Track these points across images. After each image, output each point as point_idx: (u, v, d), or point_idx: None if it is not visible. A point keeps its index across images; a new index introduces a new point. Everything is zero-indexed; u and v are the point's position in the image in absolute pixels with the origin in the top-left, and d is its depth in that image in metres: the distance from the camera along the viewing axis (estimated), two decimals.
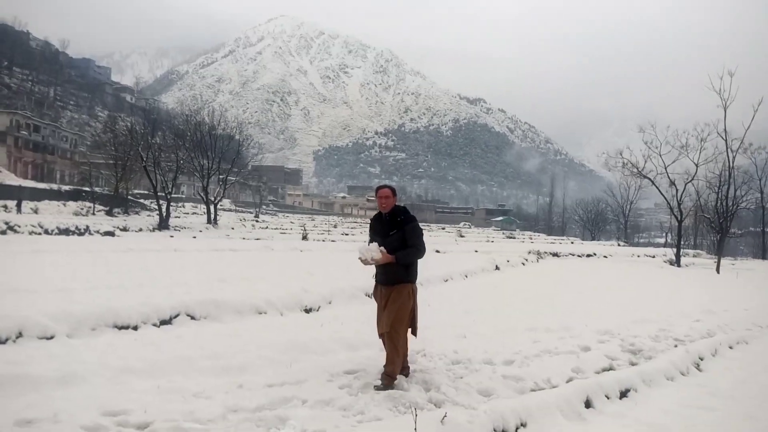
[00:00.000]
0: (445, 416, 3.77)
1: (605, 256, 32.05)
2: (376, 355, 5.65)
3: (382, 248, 4.74)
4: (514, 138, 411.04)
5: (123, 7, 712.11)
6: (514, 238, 60.69)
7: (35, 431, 3.28)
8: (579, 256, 31.18)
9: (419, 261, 4.95)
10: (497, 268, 18.60)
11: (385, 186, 5.08)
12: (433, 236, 51.05)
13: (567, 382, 5.17)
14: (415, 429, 3.47)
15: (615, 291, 13.70)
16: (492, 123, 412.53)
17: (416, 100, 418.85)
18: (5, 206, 31.58)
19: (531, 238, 60.65)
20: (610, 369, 5.86)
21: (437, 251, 25.82)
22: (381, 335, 4.91)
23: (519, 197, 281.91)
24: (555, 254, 30.04)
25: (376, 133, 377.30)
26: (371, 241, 5.05)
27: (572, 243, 52.98)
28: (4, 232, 23.44)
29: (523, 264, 22.24)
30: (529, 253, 26.51)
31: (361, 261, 4.81)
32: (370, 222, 5.30)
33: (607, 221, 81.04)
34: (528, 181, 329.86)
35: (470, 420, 3.86)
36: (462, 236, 52.25)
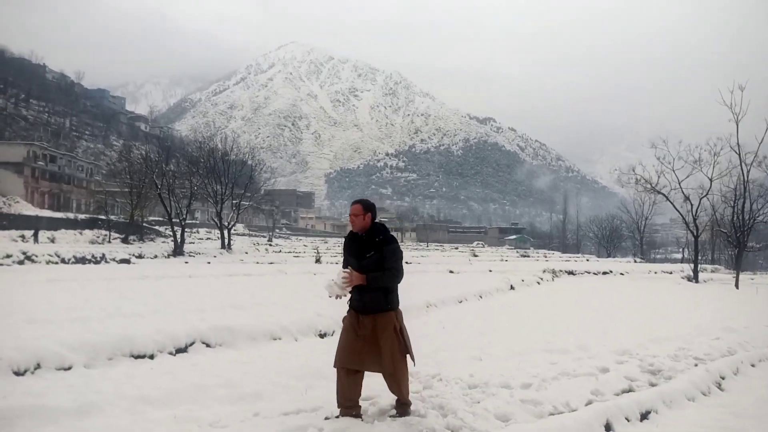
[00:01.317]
0: None
1: (622, 273, 31.73)
2: None
3: (348, 269, 4.29)
4: (525, 156, 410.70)
5: (136, 38, 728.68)
6: (529, 256, 60.32)
7: None
8: (595, 273, 30.90)
9: (400, 286, 4.52)
10: (512, 287, 18.47)
11: (358, 201, 4.53)
12: (446, 256, 50.89)
13: (586, 405, 5.09)
14: None
15: (632, 309, 13.52)
16: (502, 142, 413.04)
17: (426, 120, 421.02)
18: (23, 236, 32.06)
19: (545, 257, 60.27)
20: (630, 390, 5.76)
21: (451, 272, 25.72)
22: (342, 369, 4.44)
23: (532, 215, 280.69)
24: (570, 272, 29.80)
25: (387, 154, 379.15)
26: (345, 262, 4.57)
27: (588, 260, 52.49)
28: (21, 262, 23.75)
29: (538, 283, 22.06)
30: (544, 271, 26.31)
31: (330, 290, 4.34)
32: (344, 241, 4.70)
33: (622, 238, 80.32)
34: (540, 198, 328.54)
35: None
36: (475, 256, 52.03)
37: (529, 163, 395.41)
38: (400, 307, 4.59)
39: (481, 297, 15.13)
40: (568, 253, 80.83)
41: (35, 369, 5.52)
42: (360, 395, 4.50)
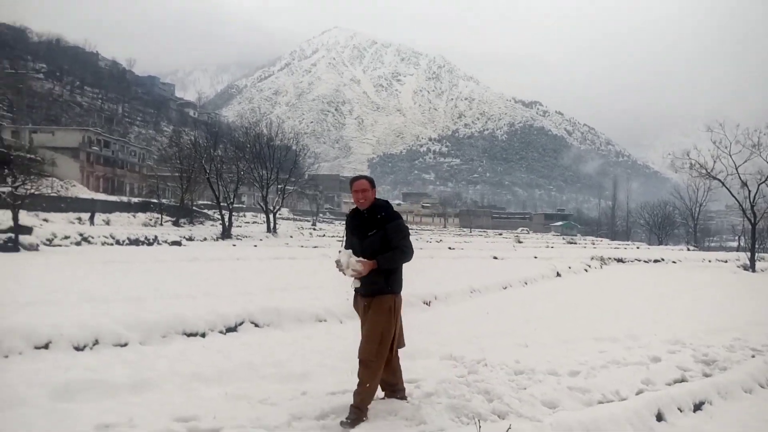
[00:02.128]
0: (510, 428, 3.70)
1: (674, 262, 30.72)
2: (435, 365, 5.62)
3: (360, 258, 3.97)
4: (572, 140, 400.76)
5: (186, 26, 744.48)
6: (575, 243, 59.12)
7: None
8: (645, 261, 30.03)
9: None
10: (558, 274, 18.15)
11: (362, 177, 4.24)
12: (490, 242, 50.38)
13: (636, 394, 4.97)
14: None
15: (685, 298, 13.08)
16: (549, 126, 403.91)
17: (470, 105, 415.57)
18: (79, 218, 33.44)
19: (593, 244, 58.93)
20: (683, 381, 5.60)
21: (495, 258, 25.46)
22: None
23: (579, 201, 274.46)
24: (620, 260, 29.06)
25: (430, 139, 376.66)
26: (347, 242, 4.31)
27: (638, 248, 51.01)
28: (79, 243, 24.82)
29: (586, 270, 21.61)
30: (592, 258, 25.74)
31: (339, 270, 4.05)
32: (345, 219, 4.44)
33: (674, 225, 77.55)
34: (588, 184, 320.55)
35: None
36: (520, 242, 51.33)
37: (576, 147, 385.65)
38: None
39: (526, 284, 14.93)
40: (617, 241, 78.77)
41: (94, 345, 5.78)
42: (398, 379, 4.35)
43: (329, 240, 40.00)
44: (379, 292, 4.07)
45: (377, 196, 4.29)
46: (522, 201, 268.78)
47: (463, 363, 5.65)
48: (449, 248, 35.46)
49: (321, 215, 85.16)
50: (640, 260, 30.28)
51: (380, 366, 4.02)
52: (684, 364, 6.19)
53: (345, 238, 4.40)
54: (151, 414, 3.84)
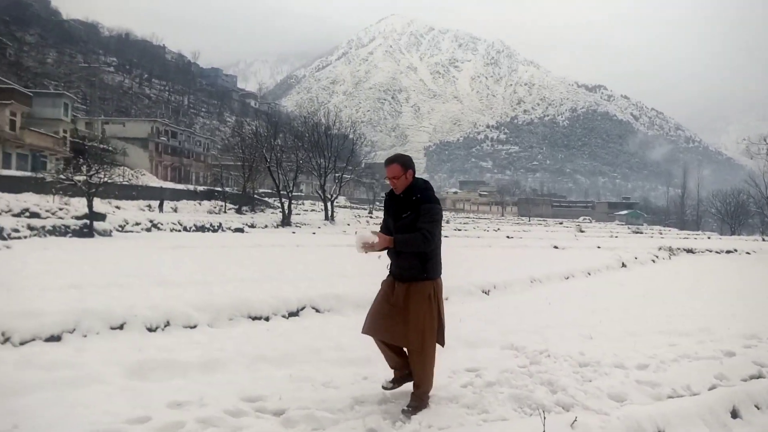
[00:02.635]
0: (576, 420, 3.61)
1: (747, 253, 29.08)
2: (496, 354, 5.55)
3: (375, 231, 3.85)
4: (639, 126, 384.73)
5: (247, 18, 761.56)
6: (642, 233, 56.94)
7: (186, 413, 3.59)
8: (717, 252, 28.57)
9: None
10: (624, 265, 17.53)
11: (394, 160, 3.91)
12: (550, 231, 49.25)
13: (709, 389, 4.74)
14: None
15: (761, 291, 12.35)
16: (614, 111, 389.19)
17: (530, 90, 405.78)
18: (149, 206, 35.03)
19: (661, 233, 56.58)
20: (760, 377, 5.29)
21: (555, 247, 24.88)
22: (376, 338, 4.02)
23: (646, 189, 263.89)
24: (689, 250, 27.79)
25: (488, 126, 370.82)
26: (383, 224, 4.13)
27: (709, 238, 48.56)
28: (149, 230, 26.02)
29: (653, 261, 20.77)
30: (660, 249, 24.73)
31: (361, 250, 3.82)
32: (384, 202, 4.20)
33: (749, 214, 73.32)
34: (656, 171, 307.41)
35: (603, 426, 3.67)
36: (582, 231, 49.92)
37: (643, 133, 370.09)
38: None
39: (589, 274, 14.50)
40: (686, 230, 75.26)
41: (165, 326, 6.06)
42: (404, 360, 4.10)
43: None
44: (415, 278, 3.86)
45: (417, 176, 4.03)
46: (584, 189, 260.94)
47: (524, 353, 5.55)
48: (507, 237, 34.91)
49: (377, 203, 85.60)
50: (711, 251, 28.85)
51: (431, 353, 3.90)
52: (761, 359, 5.84)
53: (383, 221, 4.17)
54: (220, 393, 3.98)
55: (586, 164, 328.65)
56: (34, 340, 5.33)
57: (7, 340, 5.24)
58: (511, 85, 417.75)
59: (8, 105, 35.84)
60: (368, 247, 3.72)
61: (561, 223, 75.43)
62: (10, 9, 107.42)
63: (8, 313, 5.52)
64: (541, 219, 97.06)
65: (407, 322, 3.82)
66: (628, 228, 69.85)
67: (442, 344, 4.03)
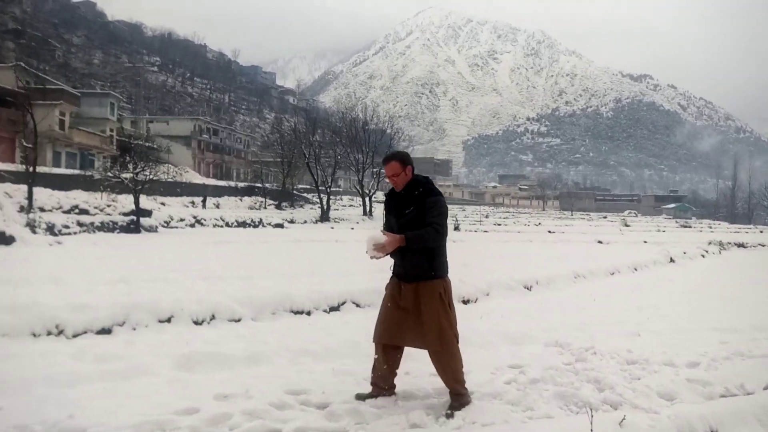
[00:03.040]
0: (624, 418, 3.52)
1: None
2: (540, 351, 5.46)
3: (386, 231, 3.68)
4: (686, 116, 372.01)
5: (285, 15, 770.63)
6: (690, 227, 55.11)
7: (232, 405, 3.65)
8: None
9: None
10: (672, 260, 17.00)
11: (392, 158, 3.82)
12: (593, 226, 48.19)
13: (765, 388, 4.55)
14: (591, 430, 3.29)
15: None
16: (660, 101, 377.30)
17: (572, 81, 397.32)
18: (192, 202, 35.87)
19: (710, 227, 54.60)
20: None
21: (599, 242, 24.34)
22: (379, 344, 3.90)
23: (694, 182, 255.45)
24: (740, 245, 26.81)
25: (528, 119, 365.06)
26: (386, 222, 3.98)
27: (761, 232, 46.63)
28: (193, 225, 26.67)
29: (703, 256, 20.08)
30: (710, 243, 23.89)
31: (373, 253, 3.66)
32: (384, 200, 4.08)
33: None
34: (705, 163, 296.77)
35: (652, 424, 3.56)
36: (627, 225, 48.66)
37: (691, 123, 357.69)
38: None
39: (635, 269, 14.12)
40: (737, 224, 72.43)
41: (211, 320, 6.20)
42: (395, 376, 3.98)
43: None
44: (423, 277, 3.72)
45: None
46: (629, 182, 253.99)
47: (569, 350, 5.44)
48: (549, 231, 34.34)
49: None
50: (763, 245, 27.72)
51: (451, 350, 3.74)
52: None
53: (384, 220, 4.03)
54: (264, 386, 4.04)
55: (631, 156, 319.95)
56: (86, 332, 5.53)
57: (61, 332, 5.45)
58: (552, 76, 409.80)
59: (58, 105, 37.23)
60: (379, 248, 3.58)
61: (605, 218, 73.63)
62: (58, 12, 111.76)
63: (62, 307, 5.74)
64: (584, 213, 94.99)
65: (421, 323, 3.71)
66: (676, 222, 67.71)
67: (457, 341, 3.89)
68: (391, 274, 3.98)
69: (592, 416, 3.40)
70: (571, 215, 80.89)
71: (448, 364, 3.74)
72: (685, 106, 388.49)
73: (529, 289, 9.80)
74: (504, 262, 13.20)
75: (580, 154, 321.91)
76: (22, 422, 3.27)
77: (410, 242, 3.60)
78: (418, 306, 3.73)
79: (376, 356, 3.94)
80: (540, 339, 5.90)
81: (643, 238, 27.91)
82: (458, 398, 3.75)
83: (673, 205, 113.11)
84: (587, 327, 6.60)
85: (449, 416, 3.60)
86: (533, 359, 5.04)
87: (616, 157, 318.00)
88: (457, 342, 3.87)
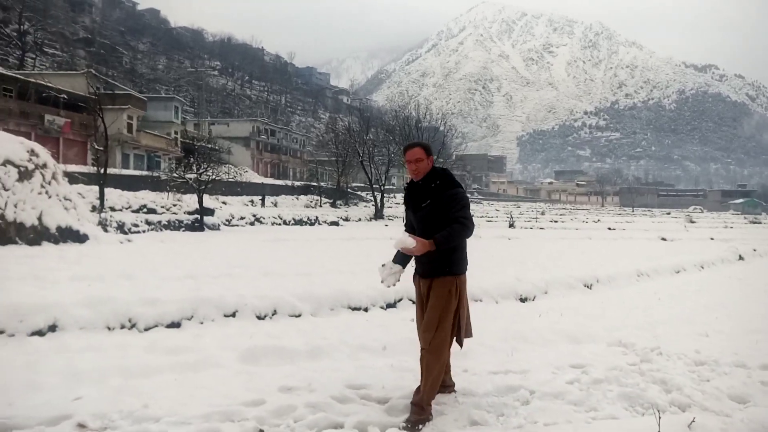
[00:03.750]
0: (693, 421, 3.41)
1: None
2: (603, 351, 5.34)
3: (412, 235, 3.50)
4: (756, 107, 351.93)
5: (339, 16, 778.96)
6: (760, 222, 52.18)
7: (296, 398, 3.77)
8: None
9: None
10: (741, 258, 16.15)
11: (416, 144, 3.66)
12: (656, 222, 46.37)
13: None
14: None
15: None
16: (727, 91, 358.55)
17: (632, 73, 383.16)
18: (252, 201, 36.89)
19: None
20: None
21: (663, 239, 23.42)
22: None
23: (764, 176, 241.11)
24: None
25: (586, 113, 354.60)
26: (406, 218, 3.87)
27: None
28: (252, 223, 27.42)
29: None
30: None
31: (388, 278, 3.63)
32: (404, 194, 3.90)
33: None
34: None
35: (724, 428, 3.44)
36: (692, 222, 46.54)
37: (760, 114, 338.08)
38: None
39: (702, 267, 13.51)
40: None
41: (273, 315, 6.38)
42: (448, 374, 3.93)
43: (478, 220, 39.70)
44: (438, 272, 3.54)
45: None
46: (694, 177, 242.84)
47: (634, 350, 5.29)
48: (609, 228, 33.29)
49: (469, 195, 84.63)
50: None
51: (438, 355, 3.50)
52: None
53: (405, 216, 3.89)
54: (326, 380, 4.14)
55: (696, 150, 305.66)
56: (157, 326, 5.81)
57: (133, 326, 5.74)
58: (611, 68, 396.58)
59: (126, 109, 39.09)
60: (408, 252, 3.44)
61: (668, 214, 70.74)
62: (125, 20, 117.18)
63: (134, 301, 6.05)
64: (646, 209, 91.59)
65: (425, 318, 3.57)
66: (745, 218, 64.23)
67: (461, 345, 3.74)
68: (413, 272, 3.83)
69: (659, 418, 3.32)
70: (632, 211, 78.11)
71: (430, 368, 3.47)
72: (753, 96, 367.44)
73: (589, 287, 9.56)
74: (562, 259, 12.91)
75: (641, 148, 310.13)
76: (101, 410, 3.48)
77: (440, 245, 3.39)
78: (428, 301, 3.60)
79: None
80: (602, 338, 5.76)
81: (710, 235, 26.64)
82: (417, 413, 3.44)
83: (741, 201, 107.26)
84: (652, 326, 6.39)
85: (404, 428, 3.36)
86: (596, 359, 4.93)
87: (680, 150, 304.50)
88: (460, 343, 3.70)
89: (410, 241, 3.37)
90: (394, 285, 3.65)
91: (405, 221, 3.84)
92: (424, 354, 3.51)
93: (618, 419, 3.61)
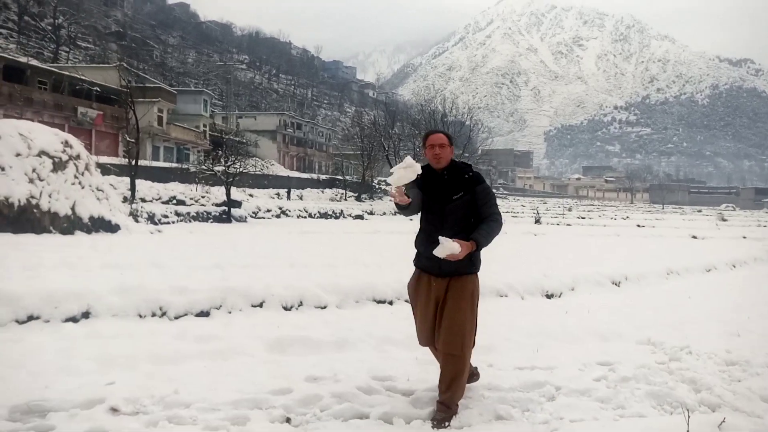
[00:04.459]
0: (724, 421, 3.35)
1: None
2: (631, 349, 5.27)
3: (455, 239, 3.17)
4: None
5: (365, 10, 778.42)
6: None
7: (322, 388, 3.81)
8: None
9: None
10: None
11: (439, 130, 3.55)
12: (687, 220, 45.44)
13: None
14: (688, 431, 3.16)
15: None
16: (763, 86, 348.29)
17: (664, 67, 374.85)
18: (278, 194, 37.24)
19: None
20: None
21: (694, 237, 22.95)
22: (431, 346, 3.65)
23: None
24: None
25: (615, 107, 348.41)
26: (419, 207, 3.50)
27: None
28: (278, 216, 27.71)
29: None
30: None
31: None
32: (415, 181, 3.39)
33: None
34: None
35: (755, 429, 3.38)
36: (724, 220, 45.46)
37: None
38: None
39: (734, 266, 13.21)
40: None
41: (299, 306, 6.46)
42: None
43: (504, 215, 39.41)
44: (458, 271, 3.35)
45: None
46: (727, 174, 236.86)
47: (662, 349, 5.21)
48: (638, 226, 32.72)
49: (494, 190, 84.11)
50: None
51: (468, 358, 3.47)
52: None
53: (402, 205, 3.38)
54: (352, 370, 4.18)
55: (729, 146, 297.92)
56: (186, 314, 5.92)
57: (164, 314, 5.87)
58: (642, 62, 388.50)
59: (156, 102, 39.76)
60: (451, 258, 3.16)
61: (700, 211, 69.18)
62: (155, 14, 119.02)
63: (165, 290, 6.17)
64: (677, 206, 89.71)
65: (444, 321, 3.38)
66: None
67: (472, 346, 3.61)
68: (415, 269, 3.60)
69: (689, 417, 3.27)
70: (662, 209, 76.61)
71: (462, 371, 3.42)
72: None
73: (617, 284, 9.43)
74: (589, 256, 12.75)
75: (672, 144, 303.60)
76: (133, 395, 3.57)
77: (480, 246, 3.27)
78: (444, 302, 3.40)
79: (435, 356, 3.71)
80: (630, 336, 5.69)
81: (742, 234, 25.99)
82: (446, 410, 3.41)
83: None
84: (682, 325, 6.28)
85: (434, 425, 3.32)
86: (623, 357, 4.87)
87: (713, 147, 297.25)
88: (473, 347, 3.56)
89: (456, 246, 3.13)
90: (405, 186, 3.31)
91: (397, 206, 3.46)
92: (451, 359, 3.39)
93: (646, 417, 3.57)
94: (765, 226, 38.48)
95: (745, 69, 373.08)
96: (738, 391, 4.08)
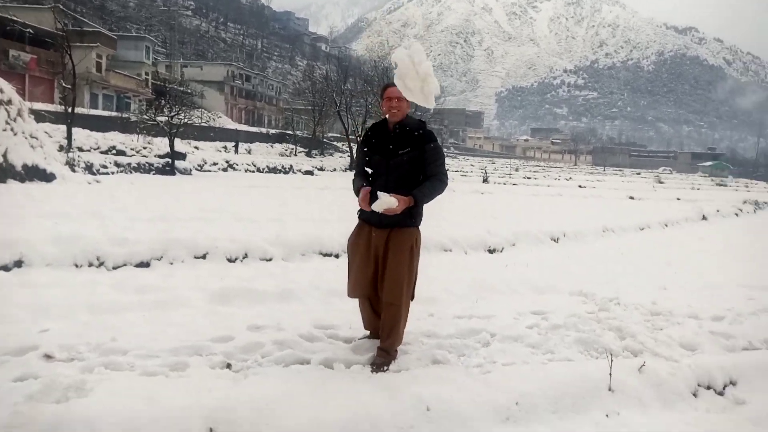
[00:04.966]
0: (644, 365, 3.60)
1: None
2: (564, 300, 5.53)
3: (392, 194, 3.21)
4: (731, 71, 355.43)
5: None
6: (726, 185, 53.66)
7: (264, 336, 3.84)
8: None
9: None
10: (704, 218, 16.68)
11: (395, 84, 3.41)
12: (626, 182, 47.23)
13: None
14: (610, 374, 3.38)
15: None
16: (705, 55, 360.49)
17: (613, 32, 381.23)
18: (225, 147, 36.26)
19: (747, 187, 53.07)
20: None
21: (631, 198, 23.94)
22: (360, 296, 3.71)
23: (734, 140, 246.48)
24: None
25: (565, 71, 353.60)
26: (360, 165, 3.57)
27: None
28: (225, 170, 27.06)
29: (737, 215, 19.64)
30: (745, 202, 23.31)
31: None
32: (364, 136, 3.62)
33: None
34: (746, 121, 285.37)
35: (672, 372, 3.65)
36: (661, 182, 47.53)
37: (735, 79, 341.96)
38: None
39: (666, 226, 13.93)
40: None
41: (244, 258, 6.42)
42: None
43: (453, 174, 39.83)
44: (400, 223, 3.40)
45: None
46: (667, 138, 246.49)
47: (593, 300, 5.50)
48: (580, 186, 33.82)
49: (445, 149, 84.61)
50: None
51: (407, 308, 3.56)
52: None
53: (358, 161, 3.60)
54: (294, 320, 4.22)
55: (670, 112, 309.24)
56: (125, 265, 5.79)
57: (101, 264, 5.72)
58: (593, 26, 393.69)
59: (95, 48, 37.52)
60: (389, 212, 3.22)
61: (638, 174, 72.04)
62: None
63: (103, 240, 6.00)
64: (618, 169, 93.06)
65: (386, 271, 3.43)
66: (712, 180, 65.88)
67: (411, 298, 3.67)
68: (359, 220, 3.65)
69: (612, 361, 3.49)
70: (604, 171, 79.32)
71: (399, 320, 3.50)
72: (730, 60, 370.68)
73: (556, 241, 9.80)
74: (532, 214, 13.14)
75: (617, 109, 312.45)
76: (68, 343, 3.50)
77: (419, 202, 3.34)
78: (386, 254, 3.45)
79: (360, 308, 3.80)
80: (564, 289, 5.96)
81: (677, 196, 27.31)
82: (385, 355, 3.51)
83: (710, 163, 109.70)
84: (613, 279, 6.64)
85: (373, 370, 3.38)
86: (556, 307, 5.12)
87: (655, 112, 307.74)
88: (412, 298, 3.64)
89: (393, 201, 3.18)
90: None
91: (357, 166, 3.61)
92: (390, 308, 3.46)
93: (572, 361, 3.79)
94: (698, 189, 40.51)
95: (689, 37, 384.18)
96: (659, 339, 4.38)
